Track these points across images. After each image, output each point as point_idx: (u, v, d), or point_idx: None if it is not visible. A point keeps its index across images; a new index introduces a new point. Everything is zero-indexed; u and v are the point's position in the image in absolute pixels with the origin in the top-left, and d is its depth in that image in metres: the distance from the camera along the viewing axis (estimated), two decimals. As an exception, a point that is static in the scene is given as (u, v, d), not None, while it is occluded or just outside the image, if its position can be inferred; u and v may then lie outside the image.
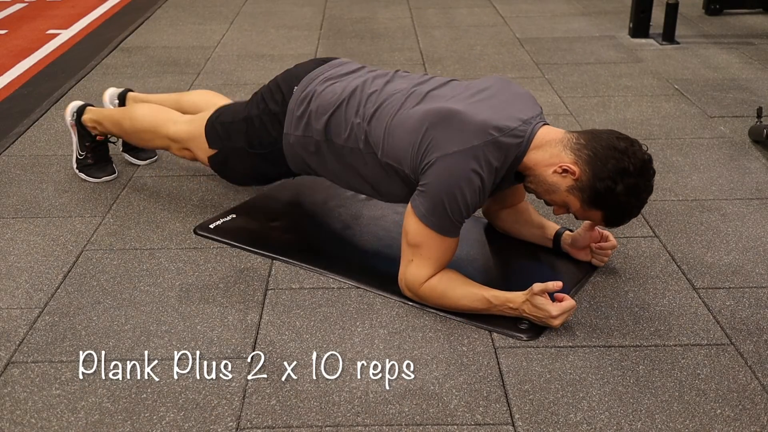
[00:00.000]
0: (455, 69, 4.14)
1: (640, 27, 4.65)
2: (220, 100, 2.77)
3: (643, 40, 4.62)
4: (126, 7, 5.91)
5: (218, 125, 2.43)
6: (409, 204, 2.04)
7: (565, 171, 1.98)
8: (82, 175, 2.85)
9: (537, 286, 1.93)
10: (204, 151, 2.47)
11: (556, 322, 1.95)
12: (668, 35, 4.55)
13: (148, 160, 2.99)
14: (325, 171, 2.30)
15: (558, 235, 2.32)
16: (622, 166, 1.93)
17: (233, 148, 2.41)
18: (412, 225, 2.02)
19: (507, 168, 2.03)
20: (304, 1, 5.71)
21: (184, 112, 2.79)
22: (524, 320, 2.01)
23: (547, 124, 2.09)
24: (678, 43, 4.55)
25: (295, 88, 2.32)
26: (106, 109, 2.79)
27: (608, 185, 1.94)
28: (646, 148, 1.99)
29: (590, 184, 1.96)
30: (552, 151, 2.01)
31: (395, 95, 2.15)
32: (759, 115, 3.14)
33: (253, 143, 2.36)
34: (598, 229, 2.24)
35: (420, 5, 5.58)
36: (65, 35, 5.18)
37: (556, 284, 1.92)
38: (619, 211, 2.01)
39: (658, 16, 4.68)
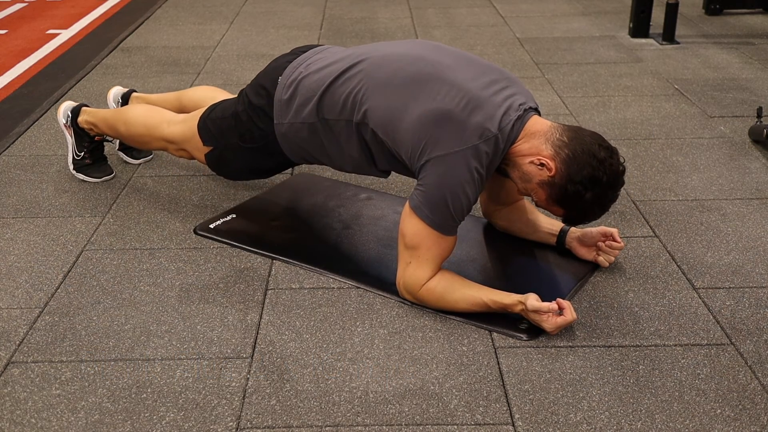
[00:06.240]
0: (455, 69, 4.14)
1: (640, 27, 4.65)
2: (219, 95, 2.76)
3: (643, 40, 4.62)
4: (126, 7, 5.91)
5: (210, 123, 2.43)
6: (407, 205, 2.04)
7: (542, 165, 1.99)
8: (80, 176, 2.85)
9: (530, 304, 1.93)
10: (200, 150, 2.47)
11: (551, 332, 1.96)
12: (668, 35, 4.55)
13: (142, 159, 3.00)
14: (321, 154, 2.29)
15: (564, 232, 2.32)
16: (596, 176, 1.94)
17: (227, 144, 2.40)
18: (412, 226, 2.02)
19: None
20: (304, 1, 5.71)
21: (185, 110, 2.79)
22: (524, 320, 2.01)
23: (537, 114, 2.09)
24: (678, 43, 4.55)
25: (280, 77, 2.31)
26: (101, 111, 2.78)
27: (578, 190, 1.95)
28: (623, 160, 2.00)
29: (561, 183, 1.97)
30: (533, 142, 2.01)
31: (392, 68, 2.12)
32: (759, 115, 3.14)
33: (245, 138, 2.36)
34: (606, 228, 2.26)
35: (420, 5, 5.58)
36: (65, 35, 5.18)
37: (550, 306, 1.93)
38: (580, 214, 2.04)
39: (658, 16, 4.68)
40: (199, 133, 2.44)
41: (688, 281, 2.23)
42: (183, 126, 2.50)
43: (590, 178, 1.94)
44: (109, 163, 2.91)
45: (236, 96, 2.47)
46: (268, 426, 1.71)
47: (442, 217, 1.99)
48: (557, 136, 1.99)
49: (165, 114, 2.60)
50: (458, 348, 1.95)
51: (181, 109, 2.81)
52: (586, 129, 2.03)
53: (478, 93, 2.02)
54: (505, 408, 1.75)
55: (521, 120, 2.02)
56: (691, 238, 2.46)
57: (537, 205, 2.12)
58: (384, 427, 1.70)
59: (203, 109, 2.49)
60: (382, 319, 2.07)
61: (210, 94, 2.78)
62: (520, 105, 2.03)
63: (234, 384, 1.83)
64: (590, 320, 2.05)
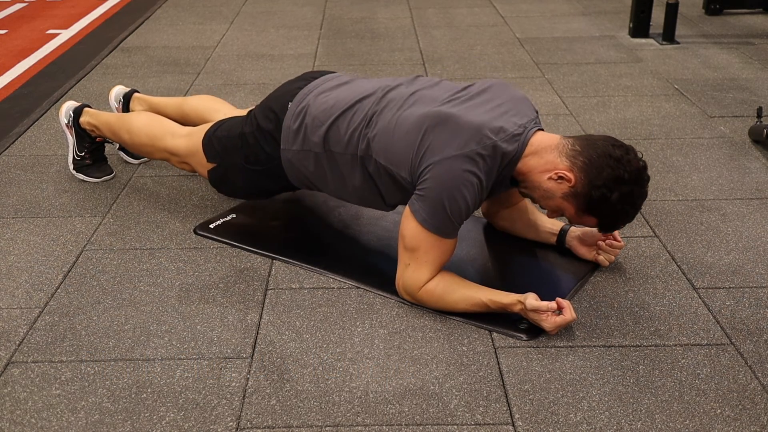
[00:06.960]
0: (455, 69, 4.14)
1: (640, 27, 4.65)
2: (222, 106, 2.76)
3: (643, 40, 4.62)
4: (126, 7, 5.91)
5: (215, 140, 2.42)
6: (407, 208, 2.04)
7: (560, 178, 1.98)
8: (81, 176, 2.86)
9: (529, 303, 1.93)
10: (203, 165, 2.46)
11: (551, 331, 1.97)
12: (668, 35, 4.55)
13: (142, 159, 3.00)
14: (324, 185, 2.30)
15: (564, 231, 2.32)
16: (617, 175, 1.93)
17: (231, 163, 2.40)
18: (410, 229, 2.02)
19: (501, 172, 2.03)
20: (304, 1, 5.71)
21: (187, 118, 2.80)
22: (524, 320, 2.01)
23: (542, 129, 2.10)
24: (678, 43, 4.55)
25: (290, 103, 2.31)
26: (103, 115, 2.77)
27: (603, 193, 1.94)
28: (641, 155, 2.00)
29: (585, 191, 1.96)
30: (547, 158, 2.01)
31: (394, 100, 2.15)
32: (759, 115, 3.14)
33: (249, 159, 2.36)
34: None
35: (420, 5, 5.58)
36: (65, 35, 5.18)
37: (549, 305, 1.93)
38: (613, 217, 2.02)
39: (658, 16, 4.68)
40: (204, 150, 2.44)
41: (688, 281, 2.23)
42: (187, 140, 2.49)
43: (612, 179, 1.93)
44: (109, 163, 2.92)
45: (243, 115, 2.46)
46: (268, 426, 1.71)
47: (441, 221, 1.99)
48: (569, 146, 2.00)
49: (169, 125, 2.59)
50: (458, 348, 1.95)
51: (183, 117, 2.81)
52: (597, 135, 2.03)
53: (475, 109, 2.05)
54: (505, 408, 1.75)
55: (523, 134, 2.03)
56: (691, 238, 2.46)
57: (570, 222, 2.11)
58: (384, 427, 1.70)
59: (209, 125, 2.48)
60: (382, 319, 2.07)
61: (212, 105, 2.78)
62: (518, 121, 2.05)
63: (234, 384, 1.83)
64: (590, 320, 2.05)
